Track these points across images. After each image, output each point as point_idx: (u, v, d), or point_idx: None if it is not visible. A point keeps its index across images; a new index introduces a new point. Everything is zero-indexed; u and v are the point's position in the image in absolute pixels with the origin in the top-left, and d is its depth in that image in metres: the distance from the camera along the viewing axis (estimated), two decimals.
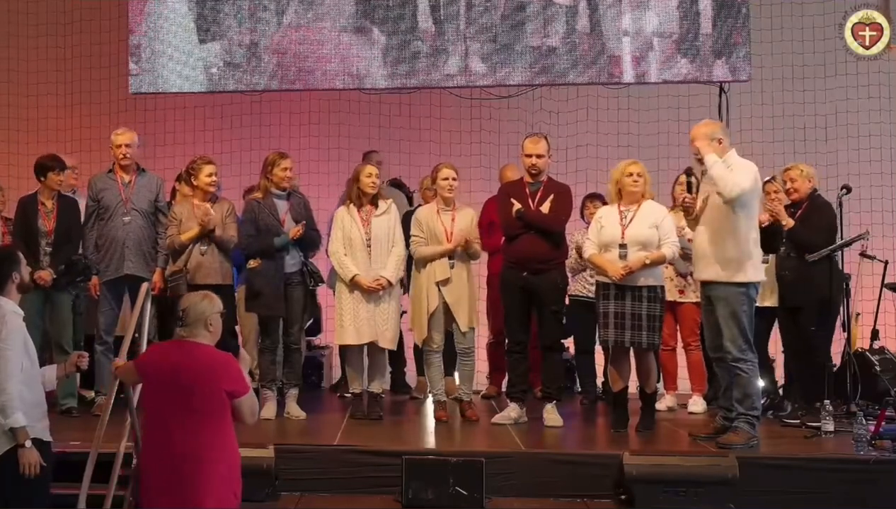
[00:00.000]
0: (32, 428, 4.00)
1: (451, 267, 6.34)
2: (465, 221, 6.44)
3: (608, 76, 8.00)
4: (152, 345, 4.56)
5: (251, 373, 7.09)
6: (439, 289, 6.36)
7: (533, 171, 6.21)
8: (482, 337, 7.64)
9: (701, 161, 5.62)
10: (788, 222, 6.24)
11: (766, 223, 6.10)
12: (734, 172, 5.49)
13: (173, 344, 4.02)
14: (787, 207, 6.48)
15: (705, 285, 5.74)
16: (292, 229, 6.30)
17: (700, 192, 5.69)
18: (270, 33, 8.12)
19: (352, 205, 6.46)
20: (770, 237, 6.07)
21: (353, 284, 6.35)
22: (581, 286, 7.15)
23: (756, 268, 5.61)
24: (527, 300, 6.22)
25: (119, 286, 6.50)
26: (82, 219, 6.62)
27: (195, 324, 3.89)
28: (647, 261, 5.84)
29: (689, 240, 6.36)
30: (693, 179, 5.70)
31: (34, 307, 5.97)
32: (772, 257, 6.44)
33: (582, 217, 7.30)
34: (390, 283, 6.39)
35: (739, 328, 5.55)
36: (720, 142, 5.63)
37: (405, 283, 6.80)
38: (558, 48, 7.92)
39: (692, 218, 5.74)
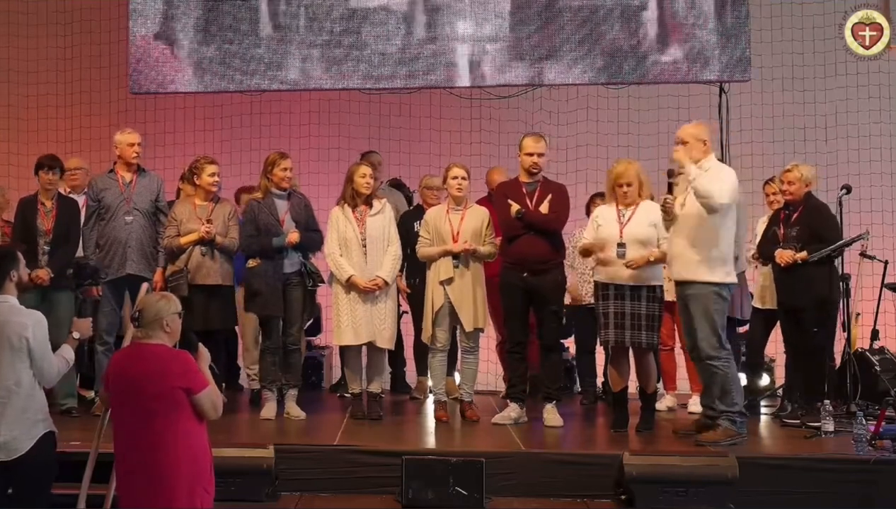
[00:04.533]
0: (47, 422, 4.24)
1: (456, 267, 6.33)
2: (474, 221, 6.41)
3: (445, 81, 8.17)
4: (114, 353, 4.58)
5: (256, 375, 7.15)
6: (444, 289, 6.36)
7: (534, 170, 6.20)
8: (490, 339, 7.64)
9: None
10: (802, 256, 6.23)
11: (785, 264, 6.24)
12: (716, 183, 5.55)
13: (129, 347, 4.04)
14: (781, 209, 6.50)
15: (680, 285, 5.78)
16: (290, 234, 6.30)
17: (678, 194, 5.72)
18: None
19: (346, 206, 6.46)
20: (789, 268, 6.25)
21: (350, 285, 6.35)
22: (583, 293, 7.12)
23: (730, 271, 5.70)
24: (527, 300, 6.22)
25: (121, 286, 6.50)
26: (83, 219, 6.63)
27: (151, 325, 3.87)
28: (651, 259, 5.84)
29: None
30: (674, 180, 5.72)
31: (32, 306, 5.94)
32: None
33: (588, 216, 7.28)
34: (387, 283, 6.40)
35: (711, 326, 5.62)
36: (705, 144, 5.72)
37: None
38: (395, 54, 8.07)
39: (670, 219, 5.73)
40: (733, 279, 5.76)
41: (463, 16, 8.07)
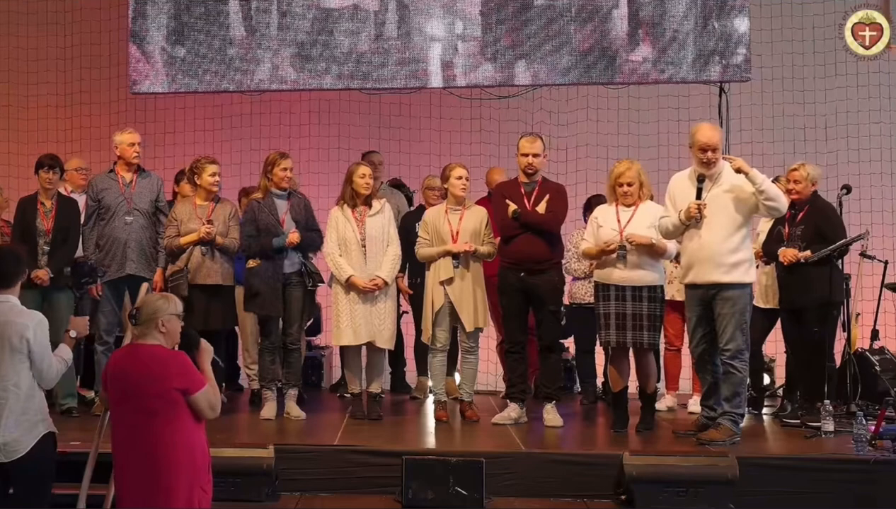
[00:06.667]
0: (46, 422, 4.23)
1: (455, 267, 6.33)
2: (474, 221, 6.41)
3: (417, 80, 8.13)
4: (112, 353, 4.58)
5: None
6: (444, 289, 6.36)
7: (529, 171, 6.20)
8: (491, 339, 7.63)
9: (706, 164, 5.65)
10: (806, 255, 6.23)
11: (788, 262, 6.27)
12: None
13: (127, 347, 4.05)
14: (787, 207, 6.49)
15: (704, 287, 5.71)
16: (290, 234, 6.30)
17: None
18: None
19: (346, 206, 6.46)
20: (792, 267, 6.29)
21: (349, 285, 6.35)
22: (583, 293, 7.13)
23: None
24: (525, 300, 6.21)
25: (120, 286, 6.50)
26: (82, 218, 6.63)
27: (147, 324, 3.87)
28: (652, 241, 5.84)
29: None
30: (703, 185, 5.66)
31: (32, 306, 5.93)
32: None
33: (585, 219, 7.28)
34: (386, 283, 6.40)
35: (742, 327, 5.63)
36: None
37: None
38: (367, 53, 8.05)
39: (693, 224, 5.68)
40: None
41: (434, 15, 8.04)
